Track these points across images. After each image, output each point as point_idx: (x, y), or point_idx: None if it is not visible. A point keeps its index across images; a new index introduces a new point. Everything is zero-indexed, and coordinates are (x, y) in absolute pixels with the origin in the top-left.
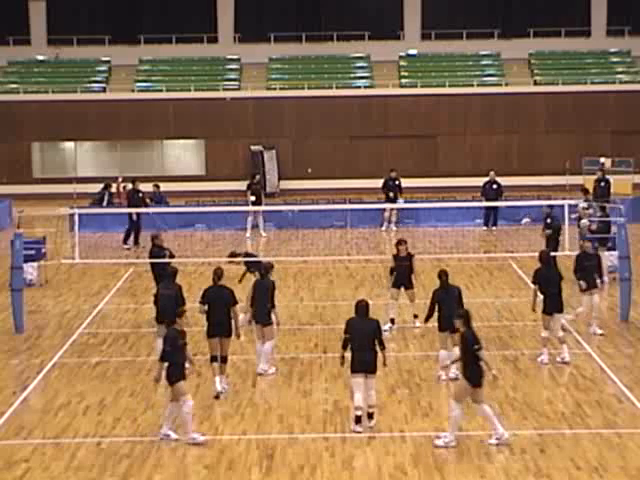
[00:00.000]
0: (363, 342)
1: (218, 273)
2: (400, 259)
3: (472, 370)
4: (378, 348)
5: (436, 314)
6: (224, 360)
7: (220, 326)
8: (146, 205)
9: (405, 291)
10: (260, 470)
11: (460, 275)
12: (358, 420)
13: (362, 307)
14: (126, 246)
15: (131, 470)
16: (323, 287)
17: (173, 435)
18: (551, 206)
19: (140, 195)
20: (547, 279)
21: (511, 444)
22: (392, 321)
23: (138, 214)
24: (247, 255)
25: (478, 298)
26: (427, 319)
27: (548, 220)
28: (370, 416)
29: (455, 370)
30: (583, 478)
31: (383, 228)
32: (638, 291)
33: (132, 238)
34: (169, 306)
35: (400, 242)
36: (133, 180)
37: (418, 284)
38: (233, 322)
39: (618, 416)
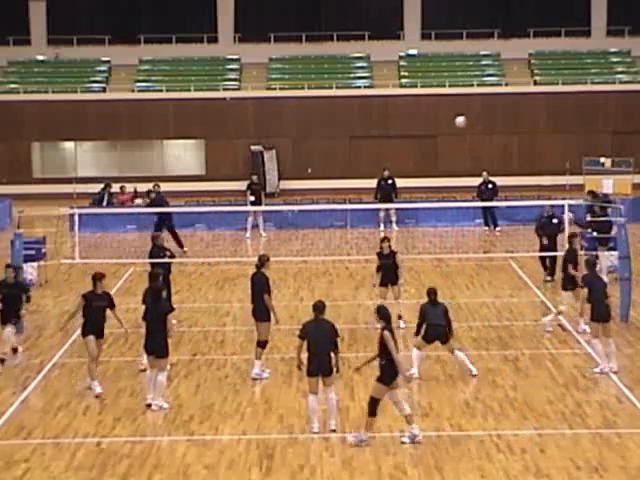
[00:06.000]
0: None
1: (263, 259)
2: (384, 256)
3: None
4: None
5: None
6: (259, 344)
7: (255, 310)
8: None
9: (391, 287)
10: (260, 470)
11: (460, 275)
12: None
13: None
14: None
15: (131, 470)
16: (323, 287)
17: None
18: (553, 206)
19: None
20: None
21: (511, 444)
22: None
23: (161, 217)
24: None
25: (478, 298)
26: (417, 334)
27: (554, 220)
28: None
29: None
30: (583, 478)
31: (381, 228)
32: (638, 291)
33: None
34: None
35: (384, 239)
36: (154, 185)
37: (418, 284)
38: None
39: (618, 416)
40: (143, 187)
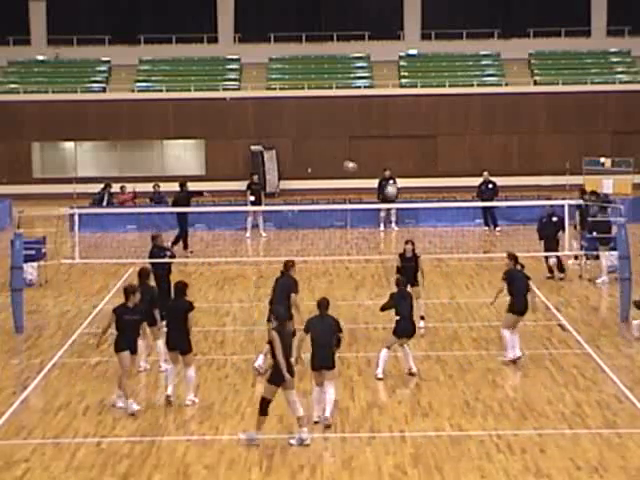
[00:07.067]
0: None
1: (289, 264)
2: (407, 259)
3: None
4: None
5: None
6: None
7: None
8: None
9: (412, 288)
10: (260, 470)
11: (460, 275)
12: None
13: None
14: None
15: (131, 470)
16: (323, 287)
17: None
18: (552, 205)
19: (188, 195)
20: None
21: (511, 444)
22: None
23: (185, 217)
24: None
25: (478, 298)
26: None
27: (554, 219)
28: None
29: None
30: (583, 478)
31: (381, 228)
32: (638, 291)
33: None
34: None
35: (408, 242)
36: (182, 183)
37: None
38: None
39: (618, 416)
40: (143, 187)
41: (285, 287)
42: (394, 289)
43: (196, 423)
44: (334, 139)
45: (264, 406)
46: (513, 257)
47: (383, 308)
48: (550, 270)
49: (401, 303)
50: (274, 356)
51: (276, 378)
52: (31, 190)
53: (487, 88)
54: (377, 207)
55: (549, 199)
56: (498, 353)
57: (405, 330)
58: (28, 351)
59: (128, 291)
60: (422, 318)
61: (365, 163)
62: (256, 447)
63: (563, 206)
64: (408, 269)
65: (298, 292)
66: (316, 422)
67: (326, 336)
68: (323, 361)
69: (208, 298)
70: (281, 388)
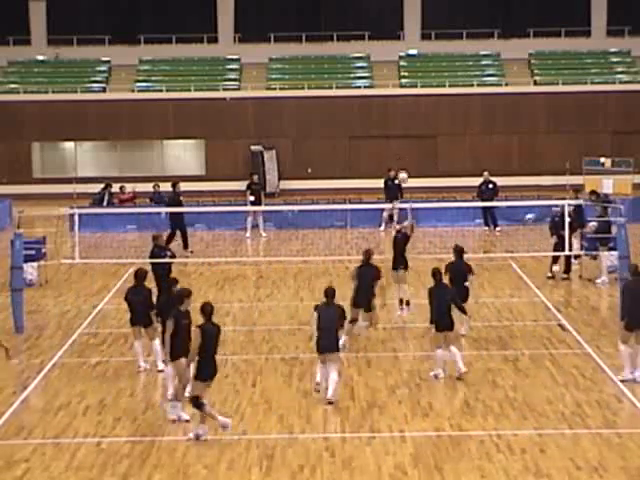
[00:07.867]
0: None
1: (370, 253)
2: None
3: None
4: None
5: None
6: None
7: (359, 300)
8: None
9: (396, 272)
10: (260, 470)
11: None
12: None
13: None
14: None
15: (131, 470)
16: (323, 287)
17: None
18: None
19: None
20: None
21: (511, 444)
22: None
23: (179, 217)
24: None
25: (478, 298)
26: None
27: (567, 219)
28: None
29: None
30: (583, 478)
31: (382, 229)
32: None
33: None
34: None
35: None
36: (173, 183)
37: (419, 284)
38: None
39: (618, 416)
40: (143, 187)
41: (371, 276)
42: (393, 290)
43: (196, 423)
44: (334, 139)
45: (198, 404)
46: (457, 250)
47: (431, 308)
48: (552, 270)
49: (438, 296)
50: (201, 354)
51: (203, 375)
52: (31, 190)
53: (487, 88)
54: (377, 207)
55: (562, 199)
56: (498, 353)
57: (445, 324)
58: (28, 351)
59: (184, 295)
60: (407, 304)
61: (365, 163)
62: (256, 447)
63: (563, 206)
64: (396, 246)
65: (381, 277)
66: (319, 392)
67: (330, 322)
68: (327, 346)
69: (208, 298)
70: (205, 384)
